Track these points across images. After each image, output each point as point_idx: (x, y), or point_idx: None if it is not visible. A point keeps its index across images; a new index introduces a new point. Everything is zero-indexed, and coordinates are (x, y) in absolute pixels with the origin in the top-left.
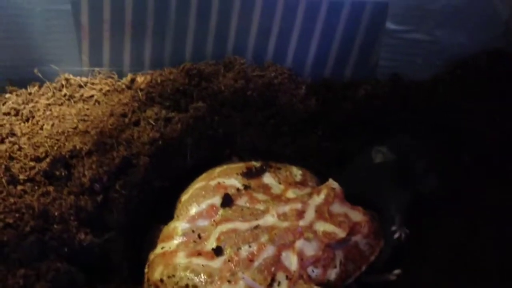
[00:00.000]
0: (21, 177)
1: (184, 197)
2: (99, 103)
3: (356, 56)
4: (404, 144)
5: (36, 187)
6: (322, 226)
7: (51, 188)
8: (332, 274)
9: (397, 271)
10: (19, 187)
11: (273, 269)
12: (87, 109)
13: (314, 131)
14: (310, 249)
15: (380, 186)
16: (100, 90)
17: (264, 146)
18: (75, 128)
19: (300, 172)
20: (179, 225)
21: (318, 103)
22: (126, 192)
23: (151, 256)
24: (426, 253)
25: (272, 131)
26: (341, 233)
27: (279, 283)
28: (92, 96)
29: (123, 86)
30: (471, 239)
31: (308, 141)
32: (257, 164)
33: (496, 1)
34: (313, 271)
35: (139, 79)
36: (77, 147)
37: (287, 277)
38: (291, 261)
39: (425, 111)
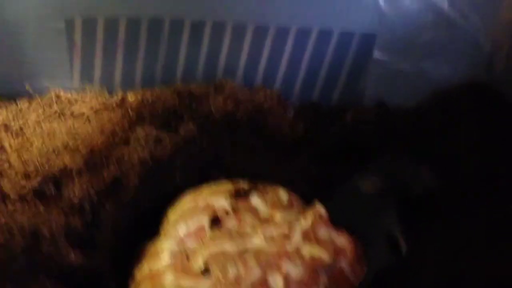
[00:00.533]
0: (12, 195)
1: (172, 217)
2: (89, 120)
3: (343, 83)
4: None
5: (27, 206)
6: (308, 250)
7: (41, 207)
8: None
9: None
10: (10, 206)
11: None
12: (78, 126)
13: (301, 154)
14: (297, 272)
15: (365, 213)
16: (91, 108)
17: (252, 169)
18: (65, 145)
19: (286, 195)
20: (167, 245)
21: (305, 128)
22: (115, 212)
23: (138, 277)
24: (411, 283)
25: (261, 153)
26: (327, 258)
27: None
28: (83, 113)
29: (114, 104)
30: (455, 271)
31: (295, 164)
32: (245, 185)
33: (479, 35)
34: None
35: (130, 97)
36: (68, 166)
37: None
38: (277, 284)
39: (409, 138)
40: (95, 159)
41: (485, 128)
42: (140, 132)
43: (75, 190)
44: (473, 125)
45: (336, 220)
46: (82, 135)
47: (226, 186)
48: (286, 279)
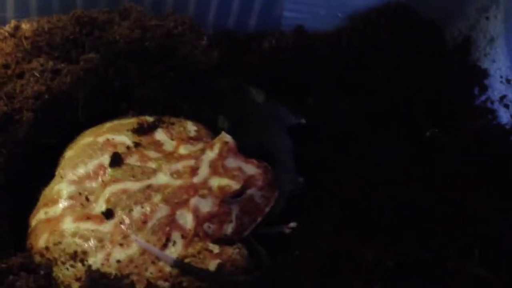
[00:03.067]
0: None
1: (69, 153)
2: None
3: (260, 9)
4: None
5: None
6: (216, 182)
7: None
8: (229, 228)
9: (292, 224)
10: None
11: (167, 229)
12: None
13: (216, 85)
14: (206, 205)
15: (274, 137)
16: None
17: (163, 100)
18: None
19: (194, 127)
20: (64, 187)
21: (220, 55)
22: (7, 150)
23: (33, 222)
24: (322, 208)
25: (172, 84)
26: (235, 185)
27: (174, 243)
28: None
29: (6, 34)
30: (366, 195)
31: (208, 95)
32: (149, 119)
33: None
34: (209, 227)
35: (24, 26)
36: None
37: (182, 236)
38: (186, 219)
39: (329, 64)
40: None
41: (404, 50)
42: (35, 64)
43: None
44: (392, 48)
45: (245, 144)
46: None
47: (129, 121)
48: (196, 214)
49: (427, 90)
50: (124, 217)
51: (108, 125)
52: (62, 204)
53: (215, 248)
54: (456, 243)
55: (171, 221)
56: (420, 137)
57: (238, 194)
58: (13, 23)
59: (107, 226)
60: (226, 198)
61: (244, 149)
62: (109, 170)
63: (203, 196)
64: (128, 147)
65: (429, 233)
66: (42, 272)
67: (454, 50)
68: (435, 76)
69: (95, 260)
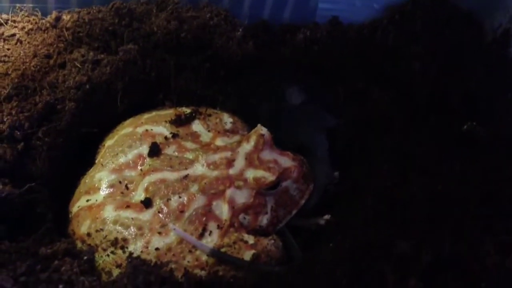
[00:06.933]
0: None
1: (109, 142)
2: (21, 42)
3: (295, 0)
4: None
5: None
6: (252, 173)
7: None
8: (264, 220)
9: (326, 216)
10: None
11: (204, 219)
12: (8, 49)
13: (251, 76)
14: (241, 197)
15: (310, 132)
16: (23, 28)
17: (199, 91)
18: None
19: (230, 119)
20: (105, 175)
21: (255, 46)
22: (50, 139)
23: (74, 209)
24: (356, 200)
25: (207, 75)
26: (270, 177)
27: (210, 233)
28: (13, 35)
29: (48, 24)
30: (401, 188)
31: (244, 87)
32: (186, 110)
33: None
34: (244, 218)
35: (65, 17)
36: None
37: (218, 226)
38: (222, 210)
39: (363, 56)
40: (26, 84)
41: (441, 42)
42: (76, 54)
43: (4, 117)
44: (428, 40)
45: (281, 139)
46: (13, 58)
47: (166, 112)
48: (231, 205)
49: (464, 83)
50: (162, 206)
51: (146, 116)
52: (103, 192)
53: (250, 239)
54: (494, 239)
55: (207, 211)
56: (456, 131)
57: (273, 186)
58: (54, 14)
59: (146, 215)
60: (262, 190)
61: (280, 143)
62: (147, 159)
63: (238, 188)
64: (166, 138)
65: (466, 228)
66: (85, 258)
67: (493, 43)
68: (473, 69)
69: (135, 248)
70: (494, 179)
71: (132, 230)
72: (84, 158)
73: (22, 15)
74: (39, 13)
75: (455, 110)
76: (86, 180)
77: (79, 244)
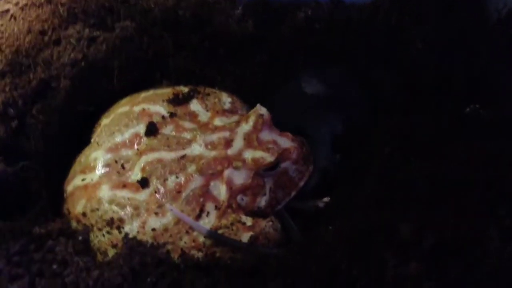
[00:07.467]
0: None
1: (105, 121)
2: (15, 18)
3: None
4: (335, 75)
5: None
6: (250, 154)
7: None
8: (262, 201)
9: (326, 199)
10: None
11: (201, 199)
12: (1, 25)
13: (251, 55)
14: (239, 177)
15: (310, 113)
16: (17, 4)
17: (197, 70)
18: None
19: (229, 99)
20: (101, 154)
21: (255, 25)
22: (44, 117)
23: (69, 188)
24: (356, 183)
25: (206, 54)
26: (269, 158)
27: (208, 214)
28: (7, 10)
29: (42, 0)
30: (402, 171)
31: (243, 66)
32: (184, 89)
33: None
34: (242, 199)
35: None
36: None
37: (216, 207)
38: (220, 190)
39: (365, 36)
40: (20, 61)
41: (445, 23)
42: (72, 31)
43: None
44: (432, 21)
45: (281, 121)
46: (6, 34)
47: (164, 91)
48: (229, 185)
49: (468, 64)
50: (159, 186)
51: (143, 94)
52: (99, 171)
53: (248, 221)
54: (498, 223)
55: (205, 192)
56: (459, 113)
57: (272, 167)
58: None
59: (142, 195)
60: (260, 171)
61: (280, 124)
62: (144, 139)
63: (237, 168)
64: (163, 117)
65: (469, 212)
66: (80, 238)
67: (497, 24)
68: (476, 50)
69: (131, 228)
70: (498, 163)
71: (128, 210)
72: (79, 137)
73: None
74: None
75: (458, 93)
76: (81, 159)
77: (74, 224)
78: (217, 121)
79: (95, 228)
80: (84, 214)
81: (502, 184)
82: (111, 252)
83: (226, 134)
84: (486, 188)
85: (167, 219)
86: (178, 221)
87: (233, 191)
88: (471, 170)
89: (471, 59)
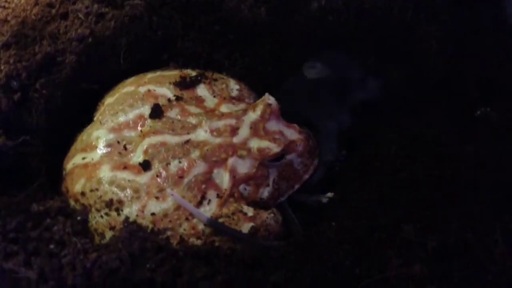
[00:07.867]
0: None
1: (109, 100)
2: None
3: None
4: (340, 59)
5: None
6: (256, 143)
7: None
8: (265, 192)
9: (329, 194)
10: None
11: (203, 186)
12: None
13: (261, 43)
14: (243, 166)
15: (319, 107)
16: None
17: (206, 54)
18: None
19: (237, 86)
20: (103, 134)
21: (267, 13)
22: (48, 92)
23: (69, 166)
24: (362, 180)
25: (216, 38)
26: (275, 148)
27: (209, 201)
28: None
29: None
30: (409, 170)
31: (253, 53)
32: (192, 73)
33: None
34: (245, 189)
35: None
36: None
37: (217, 195)
38: (223, 178)
39: (379, 31)
40: (26, 32)
41: (460, 22)
42: (80, 5)
43: (1, 66)
44: (446, 19)
45: (286, 108)
46: (13, 4)
47: (171, 73)
48: (233, 174)
49: (481, 65)
50: (161, 170)
51: (150, 75)
52: (100, 150)
53: (250, 211)
54: (504, 227)
55: (207, 179)
56: (469, 115)
57: (277, 158)
58: None
59: (143, 178)
60: (265, 161)
61: (288, 116)
62: (148, 121)
63: (241, 157)
64: (169, 100)
65: (474, 215)
66: (79, 218)
67: None
68: (492, 52)
69: (130, 211)
70: (506, 166)
71: (128, 192)
72: (82, 115)
73: None
74: None
75: (469, 93)
76: (83, 137)
77: (72, 203)
78: (224, 108)
79: (93, 209)
80: (83, 194)
81: (509, 187)
82: (109, 234)
83: (233, 121)
84: (492, 192)
85: (167, 204)
86: (178, 207)
87: (236, 180)
88: (478, 173)
89: (485, 60)
